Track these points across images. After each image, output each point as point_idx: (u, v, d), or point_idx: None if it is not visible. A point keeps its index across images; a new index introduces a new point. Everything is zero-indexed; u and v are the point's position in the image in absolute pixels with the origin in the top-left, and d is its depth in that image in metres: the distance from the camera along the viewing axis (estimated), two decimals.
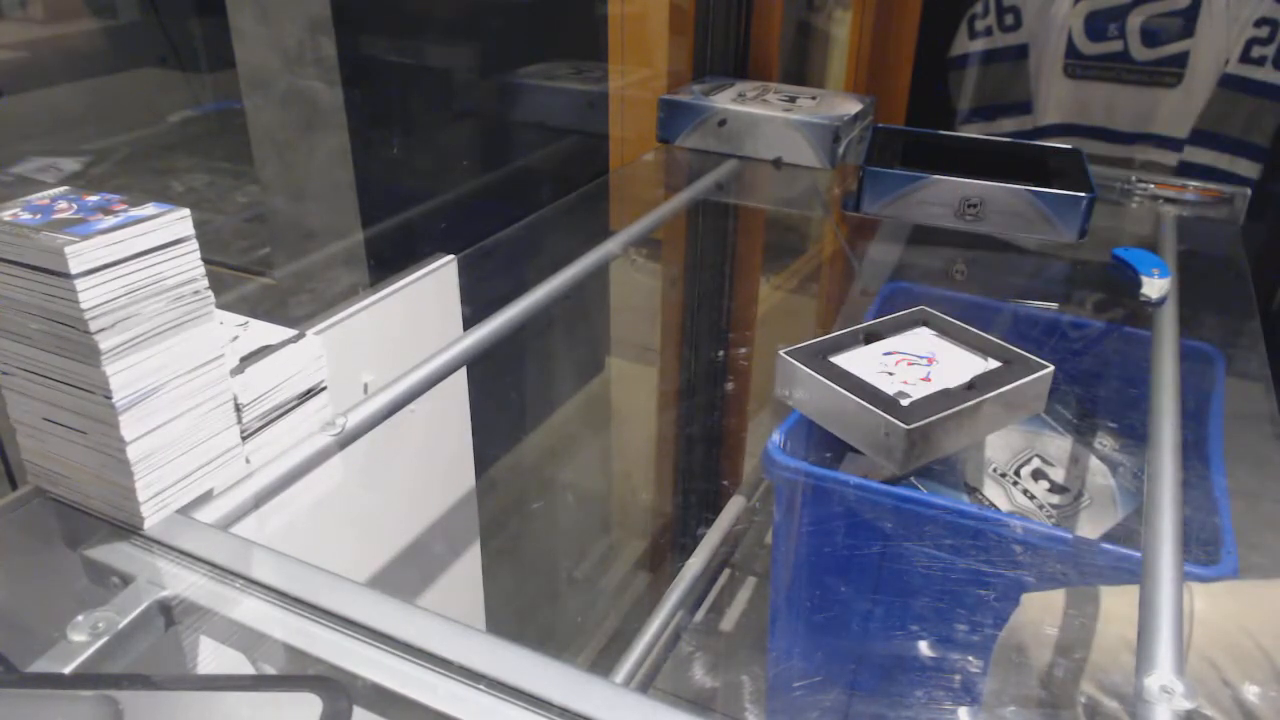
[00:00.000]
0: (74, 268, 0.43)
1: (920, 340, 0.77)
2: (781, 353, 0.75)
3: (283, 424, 0.57)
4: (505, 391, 1.17)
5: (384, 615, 0.44)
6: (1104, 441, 0.87)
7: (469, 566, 0.98)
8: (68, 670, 0.41)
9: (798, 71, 1.81)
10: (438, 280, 0.83)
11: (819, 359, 0.74)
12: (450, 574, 0.95)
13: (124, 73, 0.96)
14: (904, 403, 0.67)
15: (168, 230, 0.47)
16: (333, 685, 0.38)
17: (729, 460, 1.48)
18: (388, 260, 0.91)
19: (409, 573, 0.88)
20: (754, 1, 1.30)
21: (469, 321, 0.82)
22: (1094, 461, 0.85)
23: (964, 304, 1.00)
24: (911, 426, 0.64)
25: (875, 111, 1.25)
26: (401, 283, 0.79)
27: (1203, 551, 0.65)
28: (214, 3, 0.88)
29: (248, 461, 0.55)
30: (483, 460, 0.95)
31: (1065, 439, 0.87)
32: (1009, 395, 0.69)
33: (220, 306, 0.51)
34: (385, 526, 0.84)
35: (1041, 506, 0.80)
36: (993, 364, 0.73)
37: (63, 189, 0.49)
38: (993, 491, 0.82)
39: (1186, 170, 1.43)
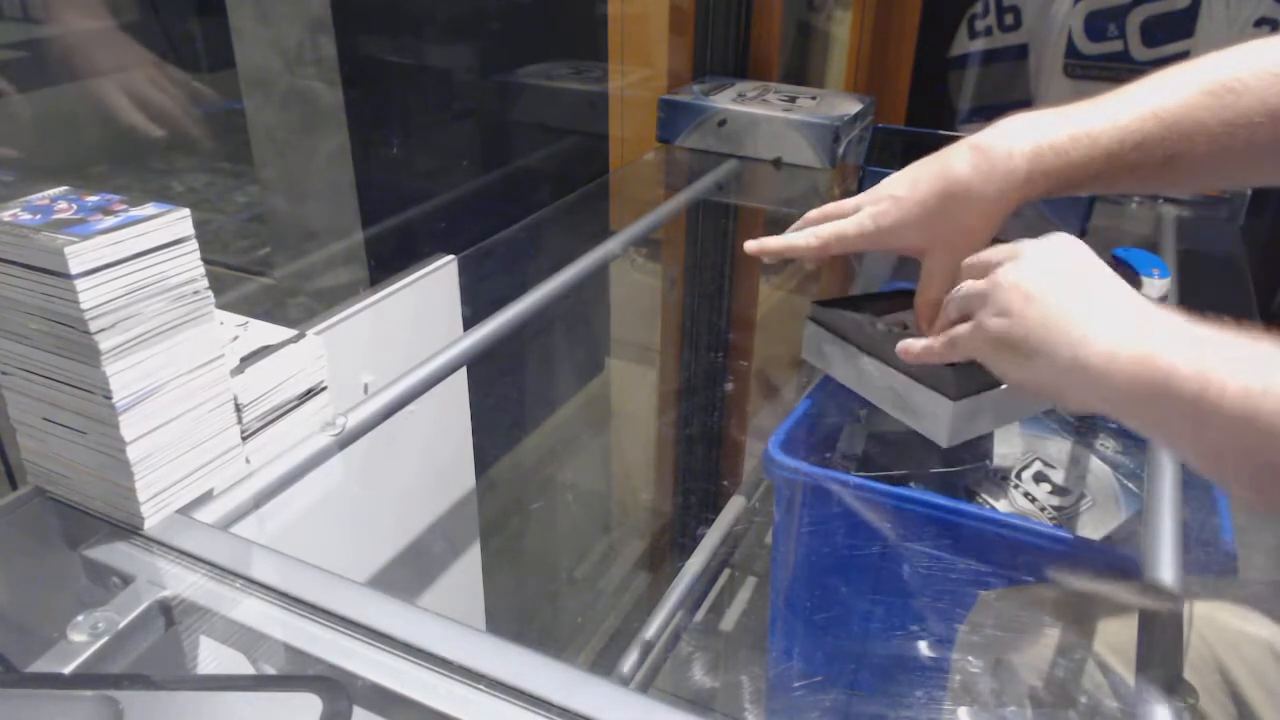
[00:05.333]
0: (74, 268, 0.43)
1: None
2: (808, 318, 0.76)
3: (283, 424, 0.57)
4: (505, 391, 1.17)
5: (384, 615, 0.44)
6: (1105, 443, 0.87)
7: (469, 566, 0.98)
8: (68, 670, 0.41)
9: (798, 71, 1.81)
10: (438, 280, 0.83)
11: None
12: (450, 574, 0.95)
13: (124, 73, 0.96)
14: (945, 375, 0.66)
15: (168, 230, 0.47)
16: (333, 685, 0.38)
17: (729, 460, 1.48)
18: (388, 260, 0.91)
19: (409, 573, 0.88)
20: (754, 1, 1.30)
21: (469, 321, 0.82)
22: (1095, 463, 0.85)
23: None
24: (959, 401, 0.64)
25: (875, 111, 1.25)
26: (401, 283, 0.79)
27: (1202, 551, 0.65)
28: (214, 3, 0.88)
29: (248, 461, 0.55)
30: (483, 460, 0.95)
31: (1066, 441, 0.87)
32: None
33: (220, 306, 0.51)
34: (385, 526, 0.84)
35: (1044, 509, 0.80)
36: None
37: (63, 189, 0.49)
38: (993, 495, 0.82)
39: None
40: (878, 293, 0.76)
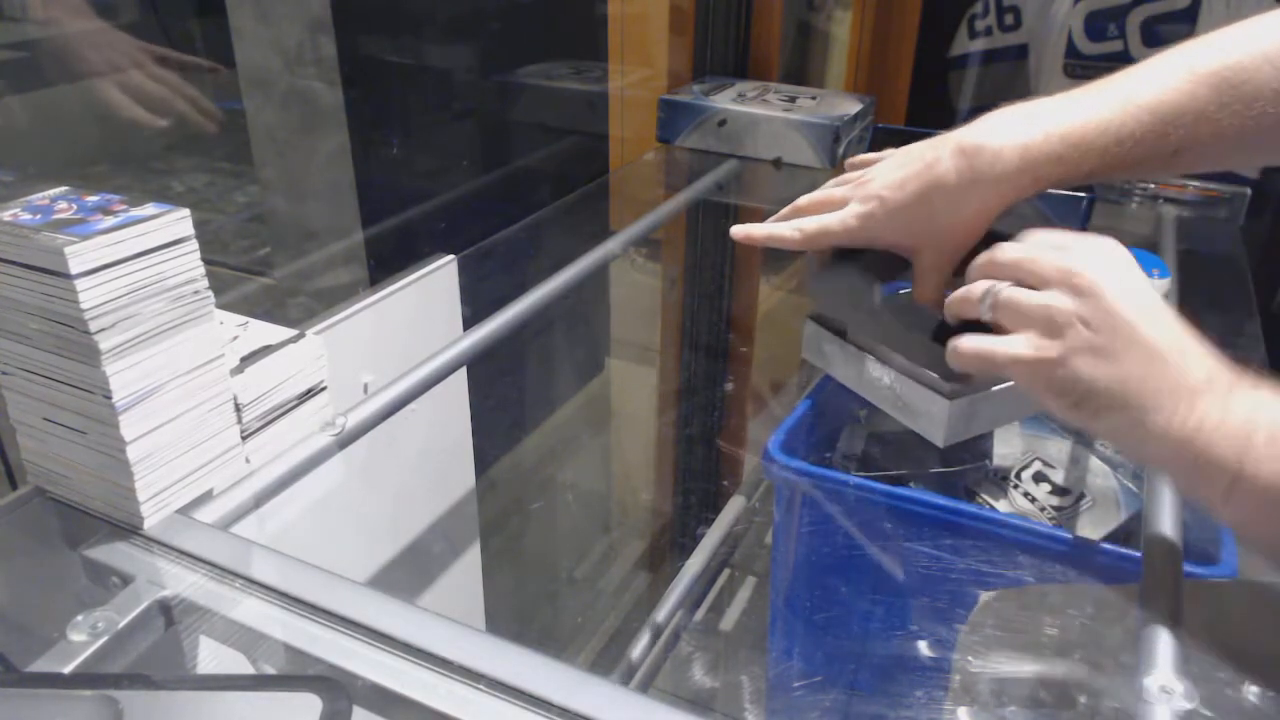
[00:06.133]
0: (74, 268, 0.43)
1: None
2: (808, 317, 0.74)
3: (283, 424, 0.57)
4: (505, 391, 1.17)
5: (384, 615, 0.44)
6: (1105, 443, 0.87)
7: (469, 566, 0.98)
8: (68, 670, 0.41)
9: (798, 71, 1.81)
10: (438, 280, 0.83)
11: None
12: (450, 574, 0.95)
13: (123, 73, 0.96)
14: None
15: (168, 230, 0.47)
16: (333, 685, 0.38)
17: (729, 460, 1.48)
18: (388, 260, 0.91)
19: (409, 573, 0.88)
20: (754, 1, 1.30)
21: (469, 321, 0.82)
22: (1095, 463, 0.85)
23: None
24: (954, 400, 0.64)
25: (875, 111, 1.25)
26: (401, 283, 0.79)
27: (1203, 551, 0.65)
28: (214, 3, 0.88)
29: (248, 461, 0.55)
30: (483, 460, 0.95)
31: (1066, 441, 0.87)
32: None
33: (220, 306, 0.51)
34: (385, 526, 0.84)
35: (1043, 509, 0.80)
36: None
37: (63, 189, 0.49)
38: (993, 495, 0.82)
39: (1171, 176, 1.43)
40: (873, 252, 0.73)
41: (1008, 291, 0.53)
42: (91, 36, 0.78)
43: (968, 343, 0.54)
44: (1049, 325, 0.49)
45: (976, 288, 0.55)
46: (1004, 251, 0.54)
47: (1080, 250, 0.51)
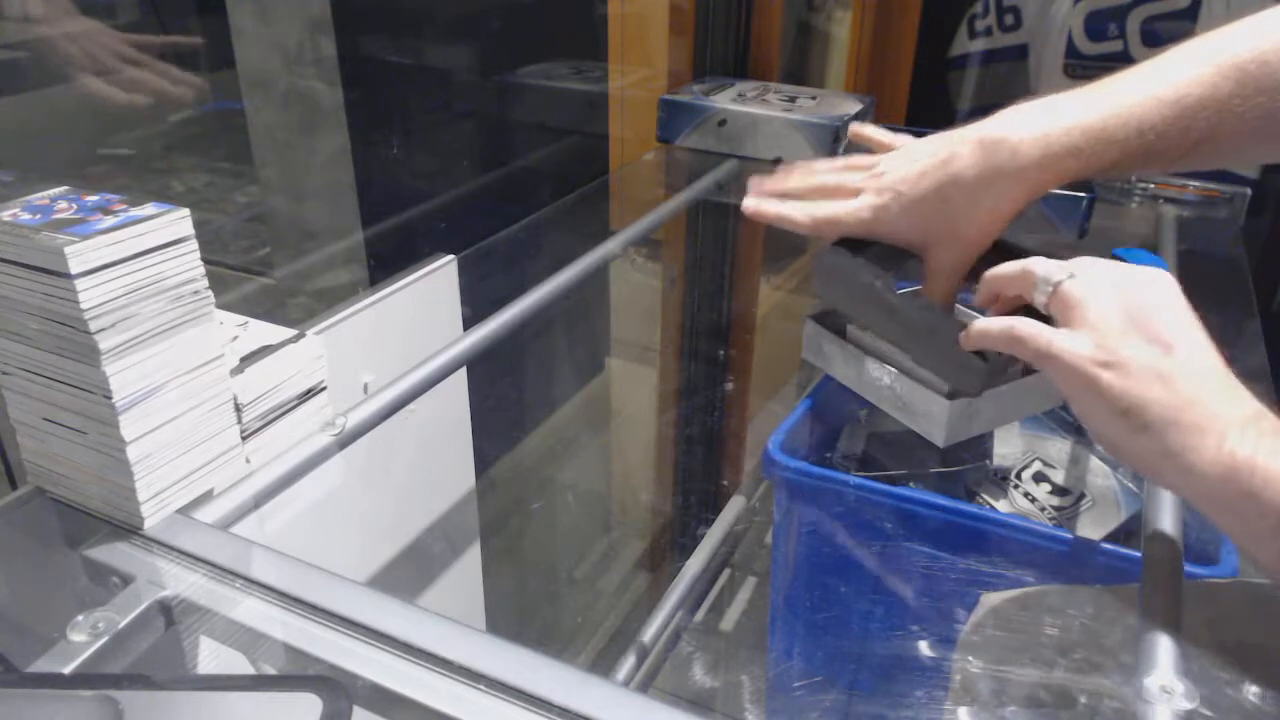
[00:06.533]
0: (74, 268, 0.43)
1: None
2: (808, 317, 0.73)
3: (283, 424, 0.57)
4: (505, 391, 1.17)
5: (384, 615, 0.44)
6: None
7: (469, 566, 0.98)
8: (68, 670, 0.41)
9: (798, 71, 1.81)
10: (438, 280, 0.83)
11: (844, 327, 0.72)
12: (450, 574, 0.95)
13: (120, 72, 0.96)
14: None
15: (168, 230, 0.47)
16: (333, 685, 0.38)
17: (729, 460, 1.48)
18: (387, 260, 0.91)
19: (409, 573, 0.88)
20: (754, 1, 1.30)
21: (469, 321, 0.82)
22: (1095, 463, 0.85)
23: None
24: (954, 399, 0.63)
25: (875, 111, 1.25)
26: (401, 283, 0.79)
27: (1203, 551, 0.65)
28: (214, 2, 0.88)
29: (248, 461, 0.55)
30: (483, 460, 0.95)
31: (1066, 441, 0.87)
32: (1041, 377, 0.67)
33: (220, 306, 0.51)
34: (385, 526, 0.84)
35: (1044, 509, 0.80)
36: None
37: (63, 189, 0.49)
38: (993, 495, 0.82)
39: (1186, 170, 1.43)
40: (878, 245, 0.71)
41: (1072, 283, 0.50)
42: (67, 34, 0.78)
43: (1025, 326, 0.51)
44: (1108, 332, 0.48)
45: (1038, 265, 0.52)
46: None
47: (1140, 272, 0.51)
